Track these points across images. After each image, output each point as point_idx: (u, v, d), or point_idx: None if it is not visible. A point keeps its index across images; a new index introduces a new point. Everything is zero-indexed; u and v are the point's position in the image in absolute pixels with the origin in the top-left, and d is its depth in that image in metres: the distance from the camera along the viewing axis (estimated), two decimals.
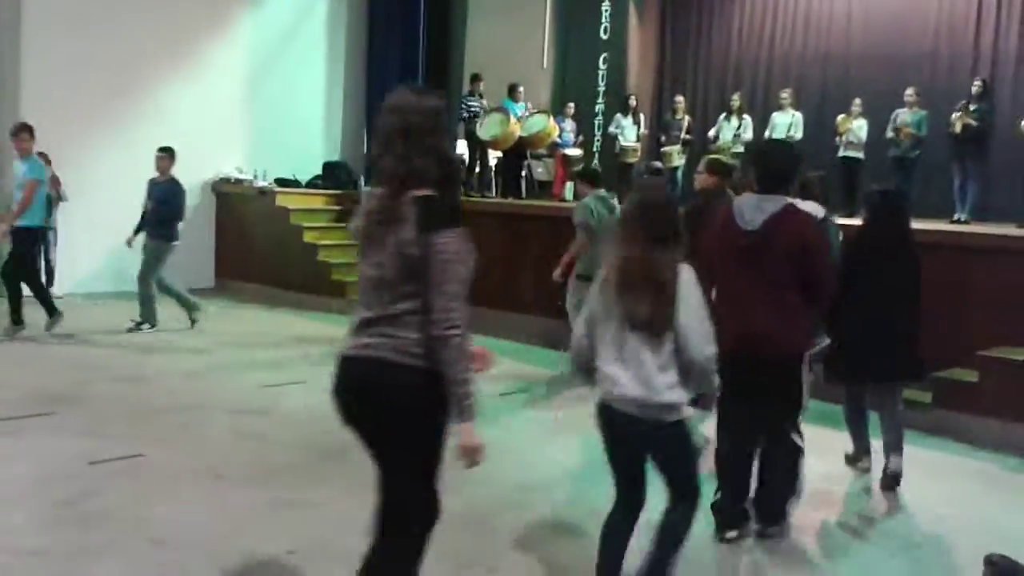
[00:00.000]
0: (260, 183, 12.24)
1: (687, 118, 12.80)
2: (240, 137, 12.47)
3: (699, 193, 6.45)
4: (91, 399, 6.40)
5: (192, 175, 11.77)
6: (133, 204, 9.16)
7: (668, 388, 3.21)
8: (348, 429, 2.78)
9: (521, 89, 12.75)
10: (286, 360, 8.14)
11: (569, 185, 12.27)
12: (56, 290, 10.20)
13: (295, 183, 12.52)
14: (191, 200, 11.98)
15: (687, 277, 3.25)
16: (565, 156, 12.85)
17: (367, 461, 2.80)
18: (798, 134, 11.74)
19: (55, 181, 9.98)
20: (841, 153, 11.41)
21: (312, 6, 13.36)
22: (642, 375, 3.21)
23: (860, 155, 11.36)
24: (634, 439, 3.33)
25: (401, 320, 2.65)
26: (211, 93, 12.06)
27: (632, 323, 3.23)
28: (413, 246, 2.58)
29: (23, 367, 7.36)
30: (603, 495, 3.58)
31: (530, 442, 5.96)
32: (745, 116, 12.37)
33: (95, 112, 10.94)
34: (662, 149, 12.71)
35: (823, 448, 5.43)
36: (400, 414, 2.68)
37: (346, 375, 2.76)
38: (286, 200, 12.01)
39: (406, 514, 2.79)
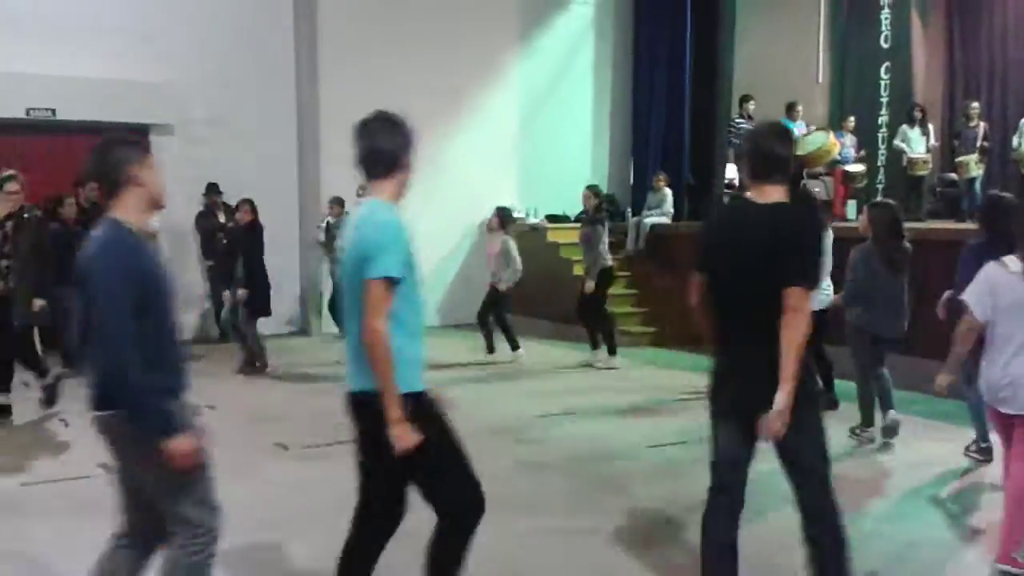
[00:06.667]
0: (532, 220, 12.60)
1: (983, 124, 11.67)
2: (513, 177, 12.90)
3: None
4: None
5: (469, 215, 12.32)
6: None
7: None
8: None
9: (800, 108, 12.23)
10: (556, 390, 8.29)
11: (852, 203, 11.56)
12: None
13: (564, 218, 12.72)
14: (468, 239, 12.62)
15: None
16: (845, 172, 12.12)
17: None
18: None
19: None
20: None
21: (580, 46, 13.65)
22: None
23: None
24: None
25: None
26: (486, 138, 12.63)
27: None
28: None
29: (333, 397, 7.87)
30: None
31: None
32: None
33: None
34: (956, 159, 11.66)
35: None
36: None
37: None
38: (556, 235, 12.22)
39: None
